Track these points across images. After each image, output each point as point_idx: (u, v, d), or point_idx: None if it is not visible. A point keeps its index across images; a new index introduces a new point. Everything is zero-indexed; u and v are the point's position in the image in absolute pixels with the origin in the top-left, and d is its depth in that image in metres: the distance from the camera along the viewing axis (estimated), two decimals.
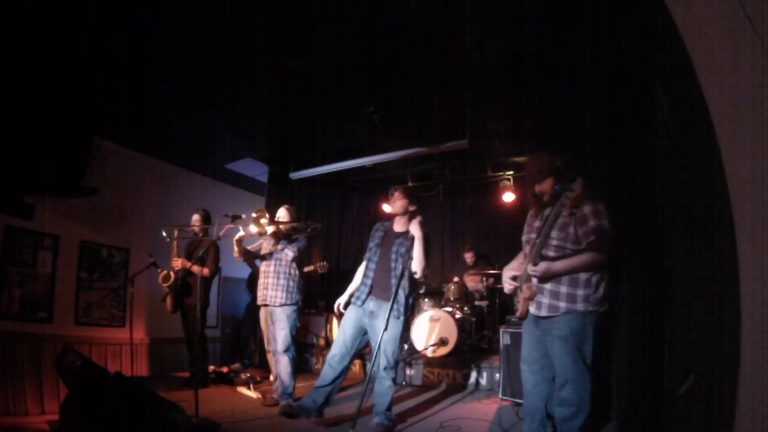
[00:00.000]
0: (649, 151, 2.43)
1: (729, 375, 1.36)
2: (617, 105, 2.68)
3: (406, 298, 2.92)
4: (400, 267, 2.85)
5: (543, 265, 2.16)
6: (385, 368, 2.87)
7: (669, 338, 2.23)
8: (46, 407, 4.16)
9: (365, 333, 3.00)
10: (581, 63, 3.15)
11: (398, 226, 3.06)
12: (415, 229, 2.85)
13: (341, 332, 3.01)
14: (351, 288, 3.17)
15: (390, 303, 2.75)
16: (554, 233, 2.21)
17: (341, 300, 3.17)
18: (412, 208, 2.99)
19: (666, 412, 2.14)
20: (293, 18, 3.31)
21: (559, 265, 2.16)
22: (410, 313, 3.14)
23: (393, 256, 2.95)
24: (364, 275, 3.07)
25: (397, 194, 3.01)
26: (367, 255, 3.11)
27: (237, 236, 3.49)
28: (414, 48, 3.58)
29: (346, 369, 3.02)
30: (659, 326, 2.28)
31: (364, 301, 2.98)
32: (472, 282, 5.71)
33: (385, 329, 2.64)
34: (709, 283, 1.68)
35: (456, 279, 5.55)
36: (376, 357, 2.68)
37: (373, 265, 3.03)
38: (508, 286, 2.47)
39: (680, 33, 1.59)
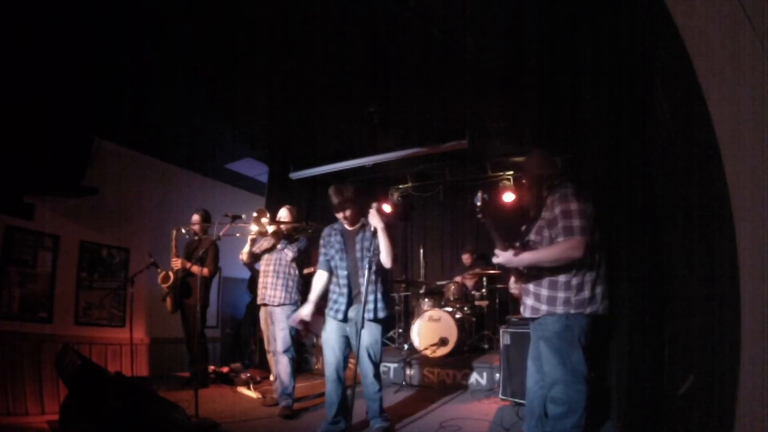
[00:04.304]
0: (649, 151, 2.43)
1: (729, 375, 1.36)
2: (617, 105, 2.68)
3: (384, 295, 2.77)
4: (367, 264, 2.62)
5: (506, 255, 2.18)
6: (374, 373, 2.75)
7: (669, 338, 2.23)
8: (46, 407, 4.16)
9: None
10: (581, 63, 3.16)
11: (351, 224, 2.84)
12: (375, 220, 2.64)
13: (330, 350, 2.80)
14: (314, 296, 2.93)
15: (368, 305, 2.62)
16: (532, 236, 2.28)
17: (306, 311, 2.87)
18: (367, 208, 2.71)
19: (666, 412, 2.14)
20: (293, 18, 3.31)
21: (526, 256, 2.18)
22: (392, 309, 2.98)
23: (359, 255, 2.76)
24: (337, 285, 2.84)
25: (341, 197, 2.74)
26: (332, 263, 2.87)
27: (251, 235, 3.51)
28: (414, 48, 3.58)
29: (344, 378, 2.85)
30: (659, 326, 2.28)
31: (346, 313, 2.78)
32: (472, 282, 5.71)
33: (362, 327, 2.51)
34: (709, 283, 1.68)
35: (456, 279, 5.54)
36: (359, 360, 2.56)
37: (344, 272, 2.81)
38: (513, 290, 2.52)
39: (680, 33, 1.59)
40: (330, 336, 2.81)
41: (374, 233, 2.67)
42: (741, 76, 1.29)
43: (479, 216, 2.22)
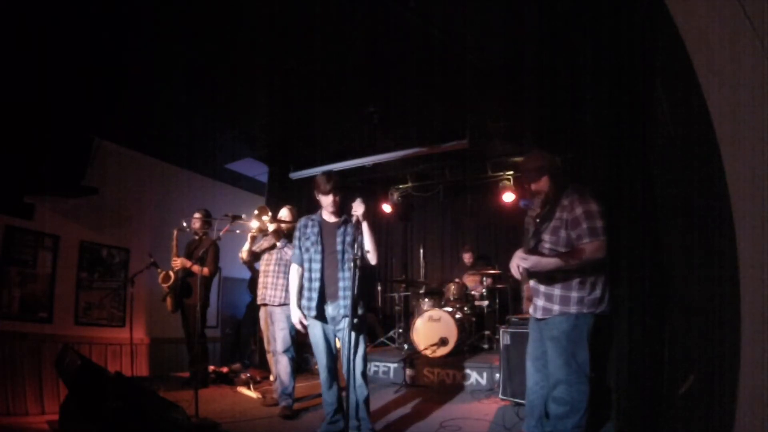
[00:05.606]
0: (649, 151, 2.43)
1: (729, 375, 1.36)
2: (617, 105, 2.68)
3: (366, 291, 2.72)
4: (349, 259, 2.51)
5: (534, 258, 2.18)
6: (361, 373, 2.65)
7: (669, 338, 2.23)
8: (46, 407, 4.16)
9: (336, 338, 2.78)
10: (581, 63, 3.15)
11: (331, 216, 2.74)
12: (360, 210, 2.49)
13: (319, 353, 2.74)
14: (294, 292, 2.81)
15: (347, 302, 2.48)
16: (546, 236, 2.26)
17: (299, 317, 2.75)
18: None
19: (666, 412, 2.14)
20: (293, 18, 3.31)
21: (550, 261, 2.17)
22: (366, 308, 2.87)
23: (339, 248, 2.64)
24: (309, 280, 2.69)
25: (332, 182, 2.62)
26: (306, 256, 2.72)
27: (251, 233, 3.51)
28: (414, 48, 3.58)
29: (339, 378, 2.82)
30: (659, 326, 2.28)
31: (321, 311, 2.67)
32: (472, 282, 5.71)
33: (352, 329, 2.43)
34: (709, 283, 1.68)
35: (456, 279, 5.55)
36: (347, 362, 2.48)
37: (317, 266, 2.67)
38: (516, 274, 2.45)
39: (680, 33, 1.59)
40: (318, 339, 2.73)
41: (357, 227, 2.52)
42: (741, 76, 1.29)
43: (537, 222, 2.27)
